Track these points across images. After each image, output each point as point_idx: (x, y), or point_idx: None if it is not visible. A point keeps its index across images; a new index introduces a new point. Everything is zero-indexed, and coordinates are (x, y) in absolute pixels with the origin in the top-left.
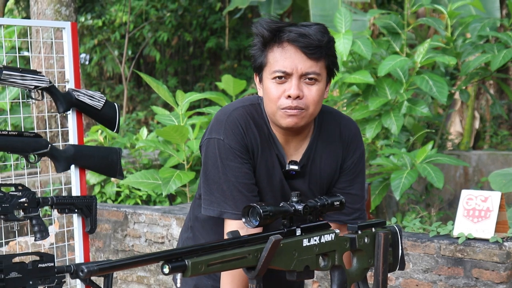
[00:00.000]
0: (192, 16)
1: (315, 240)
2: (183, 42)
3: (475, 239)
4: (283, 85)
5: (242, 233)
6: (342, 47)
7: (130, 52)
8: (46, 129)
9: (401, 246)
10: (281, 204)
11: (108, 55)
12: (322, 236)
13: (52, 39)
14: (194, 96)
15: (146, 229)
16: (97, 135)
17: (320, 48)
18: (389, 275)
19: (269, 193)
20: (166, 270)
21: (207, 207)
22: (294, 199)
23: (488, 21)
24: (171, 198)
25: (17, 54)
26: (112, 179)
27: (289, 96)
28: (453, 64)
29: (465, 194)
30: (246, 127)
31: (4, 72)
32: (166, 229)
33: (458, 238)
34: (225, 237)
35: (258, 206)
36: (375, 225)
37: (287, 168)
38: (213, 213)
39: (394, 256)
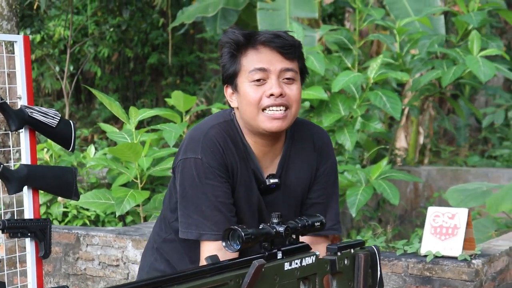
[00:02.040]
0: (135, 32)
1: (297, 264)
2: (124, 58)
3: (443, 257)
4: (262, 87)
5: (220, 255)
6: None
7: (72, 68)
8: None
9: (380, 267)
10: (261, 226)
11: (47, 71)
12: (303, 259)
13: (3, 53)
14: (147, 112)
15: (100, 252)
16: (43, 154)
17: (294, 47)
18: None
19: (247, 213)
20: None
21: (185, 230)
22: (275, 221)
23: (437, 37)
24: (122, 218)
25: None
26: (59, 198)
27: (271, 95)
28: (406, 79)
29: (432, 211)
30: (225, 145)
31: None
32: (121, 251)
33: (426, 256)
34: (203, 261)
35: (240, 229)
36: (354, 246)
37: (267, 183)
38: (192, 236)
39: (373, 277)
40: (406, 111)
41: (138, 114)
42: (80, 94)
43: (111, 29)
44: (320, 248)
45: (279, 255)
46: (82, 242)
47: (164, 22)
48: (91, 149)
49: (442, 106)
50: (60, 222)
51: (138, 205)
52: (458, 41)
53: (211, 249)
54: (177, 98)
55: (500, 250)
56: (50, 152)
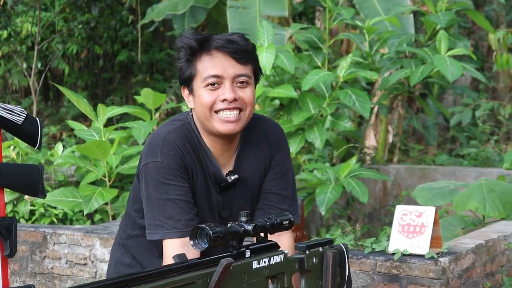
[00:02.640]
0: (104, 29)
1: (265, 262)
2: (93, 55)
3: (410, 255)
4: (217, 91)
5: (185, 251)
6: (265, 60)
7: (40, 65)
8: None
9: (348, 265)
10: (230, 224)
11: (14, 67)
12: (272, 258)
13: None
14: (116, 110)
15: (67, 250)
16: (9, 151)
17: (247, 52)
18: None
19: (208, 213)
20: None
21: (152, 232)
22: (243, 219)
23: (405, 37)
24: (90, 216)
25: None
26: (26, 197)
27: (225, 100)
28: (375, 78)
29: (399, 209)
30: (183, 148)
31: None
32: (89, 250)
33: (393, 254)
34: (168, 259)
35: (207, 228)
36: (323, 244)
37: (229, 180)
38: (158, 237)
39: (342, 276)
40: (375, 110)
41: (106, 111)
42: (49, 91)
43: (80, 26)
44: (283, 240)
45: (247, 254)
46: (49, 240)
47: (133, 19)
48: (59, 146)
49: (411, 105)
50: (27, 221)
51: (106, 203)
52: (426, 40)
53: (175, 245)
54: (146, 95)
55: (466, 248)
56: (16, 150)
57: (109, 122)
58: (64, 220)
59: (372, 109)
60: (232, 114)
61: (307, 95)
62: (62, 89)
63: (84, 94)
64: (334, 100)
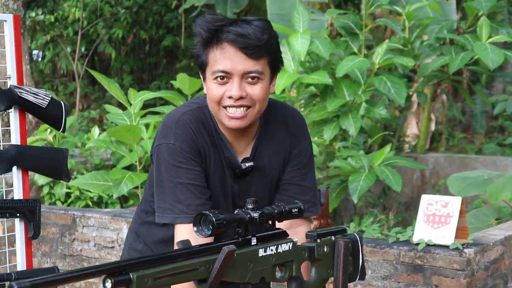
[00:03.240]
0: (148, 14)
1: (272, 250)
2: (139, 39)
3: (435, 245)
4: (225, 86)
5: (193, 238)
6: (300, 46)
7: (83, 49)
8: None
9: (362, 255)
10: (236, 211)
11: (62, 51)
12: (279, 246)
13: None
14: (147, 94)
15: (95, 233)
16: (46, 134)
17: (260, 47)
18: (349, 284)
19: (221, 199)
20: (109, 284)
21: (161, 215)
22: (250, 206)
23: (446, 23)
24: (124, 200)
25: None
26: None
27: (231, 97)
28: (411, 65)
29: (425, 199)
30: (197, 131)
31: None
32: (117, 233)
33: (417, 244)
34: (175, 246)
35: (211, 214)
36: (335, 233)
37: (243, 167)
38: (166, 220)
39: (355, 265)
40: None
41: (138, 96)
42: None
43: (123, 11)
44: (300, 230)
45: (254, 241)
46: (78, 223)
47: (177, 4)
48: (95, 130)
49: (457, 93)
50: (63, 203)
51: (137, 188)
52: (468, 27)
53: (185, 231)
54: (182, 80)
55: (494, 239)
56: (53, 133)
57: (148, 107)
58: (100, 203)
59: (410, 96)
60: (238, 111)
61: (342, 82)
62: (94, 73)
63: (130, 78)
64: (370, 87)
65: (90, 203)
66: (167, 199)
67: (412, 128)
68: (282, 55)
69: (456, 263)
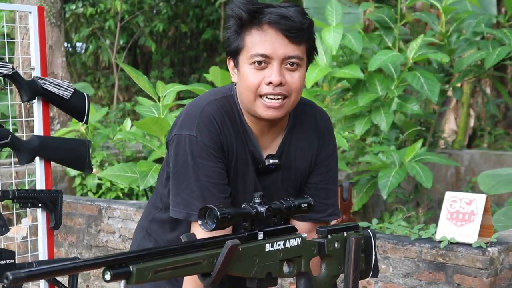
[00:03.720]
0: (186, 7)
1: (279, 245)
2: (180, 33)
3: (458, 243)
4: (263, 72)
5: (212, 235)
6: (332, 40)
7: (122, 42)
8: (9, 118)
9: (375, 251)
10: (243, 205)
11: (103, 44)
12: (287, 241)
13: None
14: (176, 87)
15: (121, 225)
16: (79, 126)
17: (302, 31)
18: (368, 279)
19: (241, 195)
20: (108, 276)
21: (174, 209)
22: (257, 201)
23: (483, 17)
24: (151, 192)
25: None
26: (94, 170)
27: (270, 83)
28: (445, 61)
29: (449, 196)
30: (221, 123)
31: None
32: None
33: (440, 242)
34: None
35: (216, 208)
36: (347, 229)
37: (266, 163)
38: (180, 216)
39: (367, 262)
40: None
41: (165, 88)
42: (138, 67)
43: (160, 4)
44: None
45: (261, 236)
46: (104, 214)
47: None
48: (127, 122)
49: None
50: (94, 194)
51: None
52: (506, 21)
53: (200, 229)
54: (214, 74)
55: None
56: (85, 125)
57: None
58: (131, 195)
59: (446, 92)
60: (276, 99)
61: (375, 76)
62: (123, 66)
63: (170, 71)
64: (403, 82)
65: (121, 195)
66: (182, 194)
67: (450, 124)
68: None
69: (479, 261)
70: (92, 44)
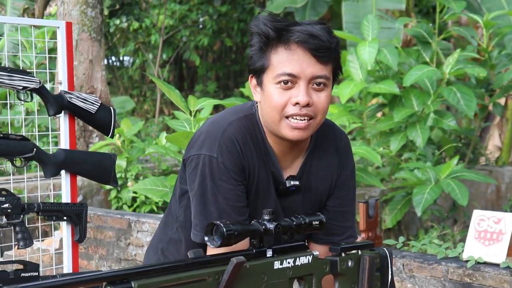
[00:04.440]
0: (228, 21)
1: (289, 263)
2: (225, 47)
3: (485, 263)
4: (289, 91)
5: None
6: (367, 55)
7: (166, 56)
8: (35, 131)
9: (391, 271)
10: (252, 222)
11: (152, 59)
12: (297, 258)
13: (76, 40)
14: (208, 102)
15: (149, 238)
16: (115, 139)
17: (330, 50)
18: None
19: (261, 215)
20: None
21: (195, 232)
22: (266, 217)
23: None
24: None
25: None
26: (129, 184)
27: (297, 103)
28: (482, 76)
29: (476, 214)
30: (243, 144)
31: None
32: None
33: (467, 261)
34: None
35: (222, 225)
36: (361, 247)
37: (287, 185)
38: (196, 239)
39: (382, 282)
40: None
41: (197, 103)
42: (183, 81)
43: (203, 19)
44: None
45: (269, 253)
46: (133, 228)
47: (260, 11)
48: (163, 136)
49: None
50: (129, 207)
51: None
52: None
53: (218, 252)
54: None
55: None
56: (121, 138)
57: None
58: (165, 208)
59: (487, 107)
60: (302, 122)
61: (411, 92)
62: (154, 79)
63: (214, 85)
64: (440, 97)
65: (155, 208)
66: (199, 216)
67: (494, 140)
68: (350, 63)
69: (506, 282)
70: (138, 58)
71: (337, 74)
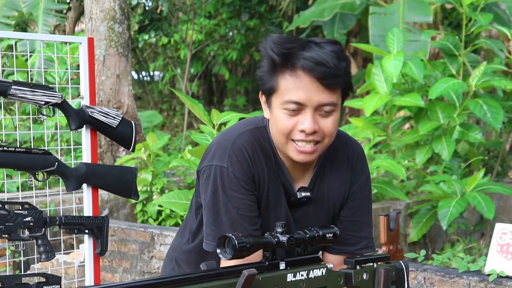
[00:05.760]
0: (256, 35)
1: (302, 275)
2: (254, 61)
3: (507, 277)
4: (296, 117)
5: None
6: (393, 68)
7: (193, 70)
8: (57, 146)
9: (408, 284)
10: (265, 235)
11: (180, 73)
12: (311, 271)
13: (103, 55)
14: (231, 115)
15: None
16: (140, 153)
17: (337, 77)
18: None
19: (273, 226)
20: None
21: (207, 242)
22: (279, 230)
23: None
24: None
25: (42, 69)
26: (154, 197)
27: (303, 131)
28: (510, 88)
29: (499, 228)
30: (253, 155)
31: (13, 87)
32: None
33: (489, 275)
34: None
35: (234, 237)
36: (377, 260)
37: (298, 196)
38: (208, 248)
39: None
40: None
41: (220, 116)
42: (213, 95)
43: (234, 32)
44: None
45: (282, 266)
46: (156, 241)
47: (287, 25)
48: (188, 149)
49: None
50: (154, 221)
51: None
52: None
53: (230, 263)
54: None
55: None
56: (147, 152)
57: None
58: None
59: None
60: (308, 146)
61: (437, 104)
62: (177, 93)
63: (243, 99)
64: (466, 110)
65: (180, 222)
66: (211, 226)
67: None
68: (376, 76)
69: None
70: (167, 73)
71: (346, 95)
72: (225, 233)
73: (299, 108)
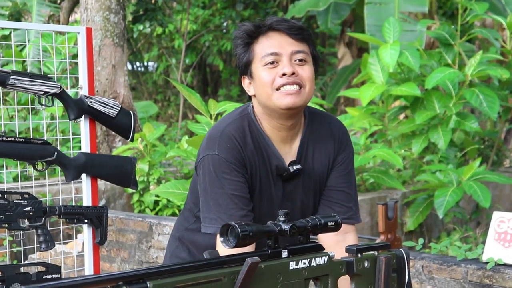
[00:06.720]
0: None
1: (304, 263)
2: None
3: (505, 265)
4: (275, 69)
5: (234, 251)
6: (389, 58)
7: (188, 61)
8: (55, 136)
9: (408, 272)
10: (268, 223)
11: (175, 63)
12: (313, 259)
13: (99, 45)
14: (228, 105)
15: None
16: (137, 143)
17: (302, 30)
18: None
19: (266, 207)
20: None
21: (206, 225)
22: (281, 218)
23: None
24: None
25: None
26: (151, 187)
27: (284, 74)
28: (506, 77)
29: (496, 216)
30: (241, 140)
31: (12, 77)
32: None
33: (487, 263)
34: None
35: (237, 225)
36: (378, 248)
37: (291, 170)
38: (211, 231)
39: (399, 283)
40: None
41: (217, 106)
42: (207, 85)
43: (229, 22)
44: (349, 237)
45: (284, 254)
46: (155, 231)
47: (283, 15)
48: (184, 140)
49: None
50: (151, 211)
51: None
52: None
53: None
54: None
55: None
56: (144, 142)
57: None
58: None
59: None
60: (292, 88)
61: (433, 94)
62: (174, 83)
63: (237, 89)
64: (462, 100)
65: (177, 212)
66: (212, 210)
67: None
68: (372, 66)
69: None
70: (162, 63)
71: (316, 60)
72: (222, 215)
73: (276, 59)
